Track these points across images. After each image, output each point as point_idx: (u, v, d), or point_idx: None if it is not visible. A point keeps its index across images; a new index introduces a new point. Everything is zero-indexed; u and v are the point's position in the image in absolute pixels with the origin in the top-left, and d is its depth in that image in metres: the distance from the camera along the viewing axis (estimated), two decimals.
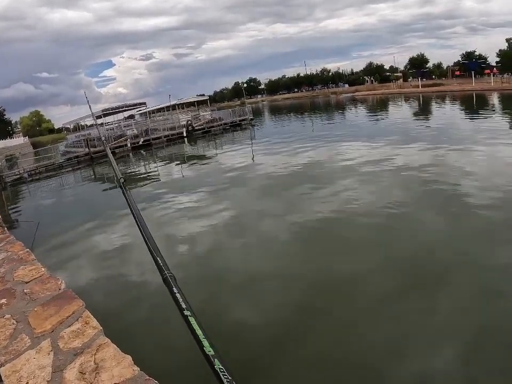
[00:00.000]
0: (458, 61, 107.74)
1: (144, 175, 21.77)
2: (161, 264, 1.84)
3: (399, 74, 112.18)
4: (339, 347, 5.10)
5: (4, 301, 3.24)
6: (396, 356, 4.78)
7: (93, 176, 26.19)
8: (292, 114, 58.72)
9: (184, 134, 36.42)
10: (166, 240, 9.77)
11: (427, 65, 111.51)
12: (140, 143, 34.13)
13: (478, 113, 31.99)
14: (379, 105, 56.44)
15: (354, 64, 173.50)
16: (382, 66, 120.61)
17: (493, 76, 78.19)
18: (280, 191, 13.03)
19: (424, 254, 7.40)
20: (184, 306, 1.55)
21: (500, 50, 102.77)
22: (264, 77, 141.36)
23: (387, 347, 4.96)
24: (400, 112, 42.85)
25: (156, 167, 24.54)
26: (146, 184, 18.29)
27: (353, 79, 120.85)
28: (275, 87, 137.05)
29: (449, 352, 4.71)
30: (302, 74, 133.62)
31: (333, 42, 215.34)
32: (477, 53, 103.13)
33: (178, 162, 24.88)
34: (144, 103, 43.64)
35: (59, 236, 11.40)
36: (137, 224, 2.35)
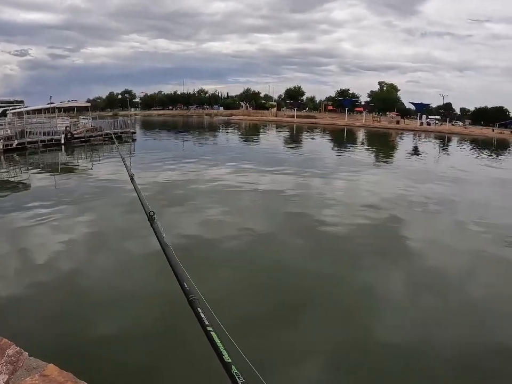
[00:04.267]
0: (330, 96, 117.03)
1: (13, 182, 19.77)
2: (187, 288, 2.24)
3: (274, 103, 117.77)
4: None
5: None
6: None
7: None
8: (164, 131, 58.21)
9: (62, 141, 33.94)
10: (20, 253, 9.11)
11: (302, 98, 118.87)
12: (14, 145, 30.74)
13: (346, 146, 34.85)
14: (253, 131, 58.61)
15: (230, 88, 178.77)
16: (258, 93, 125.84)
17: (365, 113, 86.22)
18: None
19: (287, 277, 7.83)
20: (207, 323, 1.85)
21: (372, 91, 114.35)
22: (140, 90, 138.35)
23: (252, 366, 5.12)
24: (273, 139, 44.92)
25: (27, 174, 22.45)
26: (15, 192, 16.63)
27: (229, 102, 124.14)
28: (150, 102, 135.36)
29: (312, 368, 5.15)
30: (179, 92, 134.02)
31: (213, 64, 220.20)
32: (350, 91, 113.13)
33: (52, 171, 23.02)
34: (22, 102, 39.76)
35: None
36: (164, 252, 2.75)
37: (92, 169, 22.53)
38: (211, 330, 1.81)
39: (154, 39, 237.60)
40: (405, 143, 47.64)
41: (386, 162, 28.51)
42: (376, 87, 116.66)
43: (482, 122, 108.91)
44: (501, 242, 10.77)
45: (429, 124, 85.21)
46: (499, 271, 9.04)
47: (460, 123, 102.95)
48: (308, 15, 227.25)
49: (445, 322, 6.59)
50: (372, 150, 34.97)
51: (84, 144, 34.91)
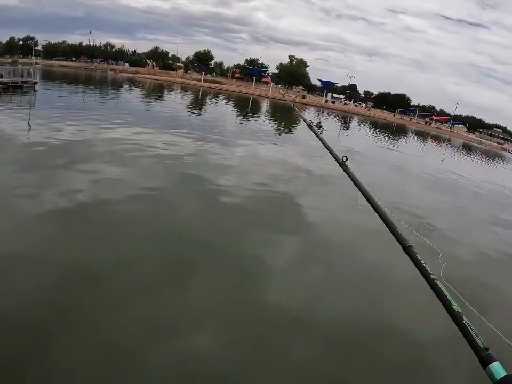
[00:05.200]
0: (239, 64, 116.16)
1: None
2: (401, 234, 1.96)
3: (181, 64, 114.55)
4: (104, 333, 4.83)
5: None
6: (159, 339, 4.86)
7: None
8: (65, 84, 53.93)
9: None
10: None
11: (211, 62, 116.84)
12: None
13: (250, 115, 34.28)
14: (157, 91, 56.31)
15: (138, 45, 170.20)
16: (166, 53, 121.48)
17: (272, 85, 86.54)
18: (43, 167, 11.15)
19: (181, 241, 7.56)
20: (429, 271, 1.60)
21: (281, 63, 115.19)
22: (43, 38, 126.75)
23: (149, 332, 5.00)
24: (178, 101, 43.38)
25: None
26: None
27: (135, 59, 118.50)
28: (53, 51, 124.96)
29: (208, 331, 5.16)
30: (84, 44, 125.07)
31: (123, 18, 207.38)
32: (260, 61, 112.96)
33: None
34: None
35: None
36: (370, 203, 2.41)
37: None
38: (435, 279, 1.54)
39: None
40: (308, 118, 48.07)
41: (288, 134, 28.66)
42: (285, 60, 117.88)
43: (384, 107, 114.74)
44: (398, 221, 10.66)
45: (333, 102, 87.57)
46: (387, 246, 8.97)
47: (363, 105, 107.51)
48: None
49: (330, 294, 6.73)
50: (275, 122, 34.87)
51: None
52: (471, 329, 1.29)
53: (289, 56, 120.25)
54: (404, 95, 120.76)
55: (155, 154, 13.45)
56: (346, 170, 2.93)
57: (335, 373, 4.89)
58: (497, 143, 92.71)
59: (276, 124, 33.27)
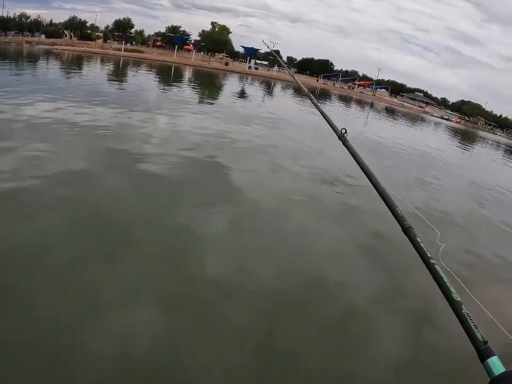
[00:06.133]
0: (160, 31, 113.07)
1: None
2: (401, 214, 1.89)
3: (100, 34, 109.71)
4: (32, 312, 4.69)
5: None
6: (91, 318, 4.73)
7: None
8: None
9: None
10: None
11: (131, 31, 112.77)
12: None
13: (172, 84, 33.96)
14: (75, 62, 53.98)
15: (55, 15, 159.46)
16: (84, 22, 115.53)
17: (194, 52, 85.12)
18: None
19: (109, 216, 7.39)
20: (429, 255, 1.56)
21: (203, 31, 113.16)
22: None
23: (80, 310, 4.83)
24: (98, 72, 41.88)
25: None
26: None
27: (52, 30, 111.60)
28: None
29: (145, 306, 5.12)
30: None
31: None
32: (181, 29, 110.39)
33: None
34: None
35: None
36: (368, 177, 2.31)
37: None
38: (435, 263, 1.51)
39: None
40: (232, 85, 48.35)
41: (212, 102, 28.55)
42: (208, 27, 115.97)
43: (307, 72, 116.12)
44: (316, 181, 11.42)
45: (256, 68, 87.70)
46: (314, 208, 9.71)
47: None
48: None
49: (264, 257, 6.97)
50: (198, 90, 34.73)
51: None
52: (470, 320, 1.25)
53: (211, 23, 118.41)
54: (327, 61, 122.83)
55: (75, 129, 13.13)
56: (345, 143, 2.83)
57: (274, 332, 5.18)
58: (419, 106, 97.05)
59: (199, 92, 33.12)
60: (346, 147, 2.75)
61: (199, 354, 4.56)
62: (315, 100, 4.29)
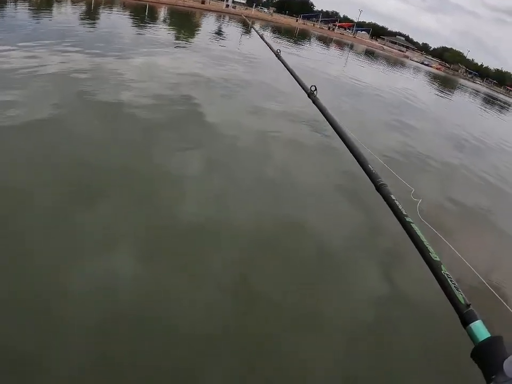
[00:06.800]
0: None
1: None
2: (374, 172, 1.85)
3: None
4: (14, 261, 4.65)
5: None
6: (72, 264, 4.76)
7: None
8: None
9: None
10: None
11: None
12: None
13: (147, 24, 32.88)
14: (45, 4, 51.51)
15: None
16: None
17: None
18: None
19: (84, 162, 7.19)
20: (404, 213, 1.51)
21: None
22: None
23: (61, 257, 4.83)
24: (69, 13, 40.12)
25: None
26: None
27: None
28: None
29: (125, 249, 5.15)
30: None
31: None
32: None
33: None
34: None
35: None
36: (340, 136, 2.31)
37: None
38: (411, 222, 1.45)
39: None
40: (209, 25, 47.06)
41: (188, 42, 27.94)
42: None
43: (287, 12, 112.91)
44: (296, 121, 11.39)
45: (234, 7, 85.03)
46: (293, 149, 9.73)
47: (266, 10, 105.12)
48: None
49: (242, 198, 7.08)
50: (174, 30, 33.74)
51: None
52: (451, 281, 1.17)
53: None
54: (307, 0, 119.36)
55: (44, 74, 12.59)
56: (315, 101, 2.82)
57: (253, 272, 5.29)
58: (399, 50, 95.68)
59: (175, 32, 32.21)
60: (316, 105, 2.76)
61: (179, 293, 4.67)
62: (285, 62, 4.44)
